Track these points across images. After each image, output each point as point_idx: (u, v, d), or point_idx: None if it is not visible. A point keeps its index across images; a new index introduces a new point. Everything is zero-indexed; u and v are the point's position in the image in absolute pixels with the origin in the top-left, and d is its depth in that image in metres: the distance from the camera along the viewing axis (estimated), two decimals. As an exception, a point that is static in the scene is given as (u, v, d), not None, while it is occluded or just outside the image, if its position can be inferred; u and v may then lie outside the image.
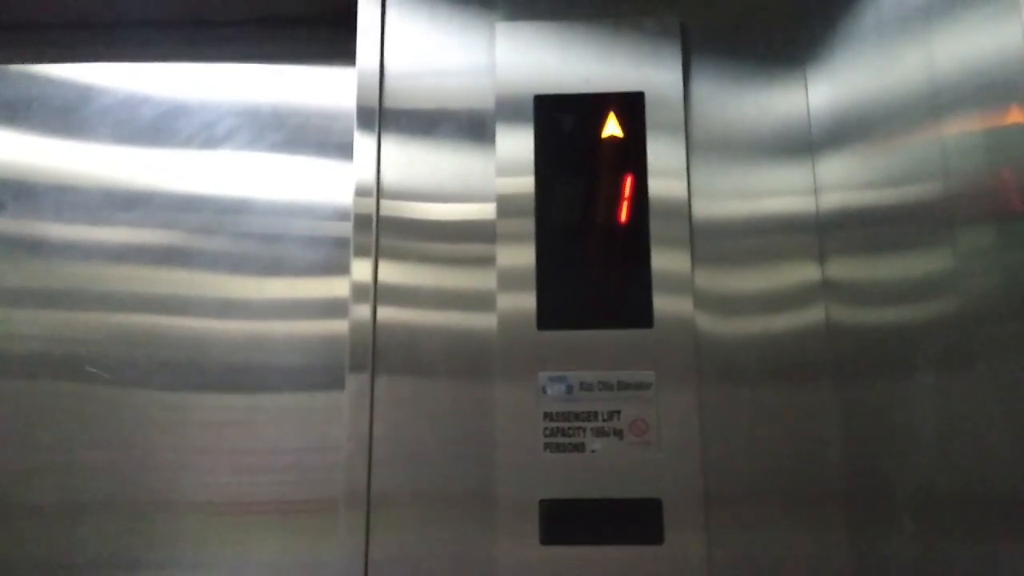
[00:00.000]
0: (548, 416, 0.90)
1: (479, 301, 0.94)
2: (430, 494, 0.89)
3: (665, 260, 0.93)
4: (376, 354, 0.92)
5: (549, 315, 0.92)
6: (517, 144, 0.97)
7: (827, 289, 0.92)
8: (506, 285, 0.93)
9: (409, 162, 0.98)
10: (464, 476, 0.90)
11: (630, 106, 0.96)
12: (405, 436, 0.91)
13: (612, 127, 0.96)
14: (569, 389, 0.90)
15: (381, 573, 0.87)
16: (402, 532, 0.88)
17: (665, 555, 0.86)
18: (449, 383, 0.92)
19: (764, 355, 0.92)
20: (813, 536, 0.87)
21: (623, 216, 0.94)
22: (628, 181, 0.95)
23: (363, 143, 0.98)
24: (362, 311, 0.93)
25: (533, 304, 0.92)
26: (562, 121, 0.96)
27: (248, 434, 0.99)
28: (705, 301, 0.93)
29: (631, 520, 0.87)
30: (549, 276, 0.93)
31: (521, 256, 0.94)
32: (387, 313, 0.94)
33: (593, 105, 0.97)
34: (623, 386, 0.90)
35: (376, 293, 0.94)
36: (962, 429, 0.68)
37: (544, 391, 0.90)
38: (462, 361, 0.93)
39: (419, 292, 0.94)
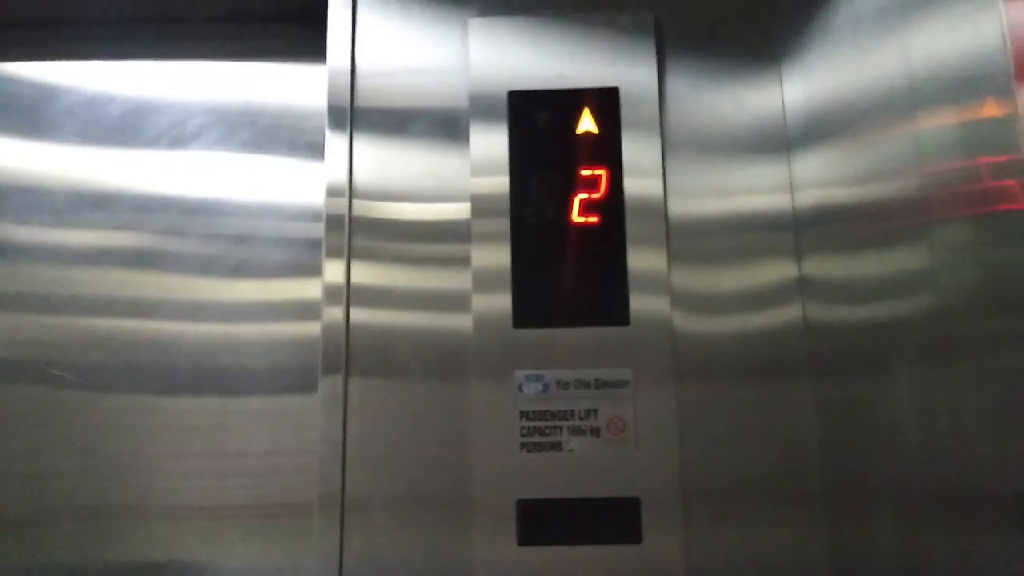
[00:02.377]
0: (524, 415, 0.89)
1: (453, 302, 0.93)
2: (405, 497, 0.88)
3: (641, 258, 0.92)
4: (349, 356, 0.91)
5: (525, 313, 0.91)
6: (491, 143, 0.96)
7: (804, 287, 0.92)
8: (481, 284, 0.92)
9: (382, 162, 0.97)
10: (440, 478, 0.89)
11: (605, 102, 0.95)
12: (379, 438, 0.89)
13: (587, 123, 0.95)
14: (546, 388, 0.89)
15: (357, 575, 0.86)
16: (377, 535, 0.87)
17: (643, 554, 0.85)
18: (424, 384, 0.91)
19: (742, 353, 0.91)
20: (792, 533, 0.87)
21: (598, 213, 0.93)
22: (603, 177, 0.94)
23: (334, 142, 0.97)
24: (334, 313, 0.92)
25: (508, 302, 0.91)
26: (536, 117, 0.95)
27: (221, 438, 0.97)
28: (682, 299, 0.93)
29: (609, 519, 0.86)
30: (524, 274, 0.92)
31: (496, 255, 0.93)
32: (360, 315, 0.93)
33: (567, 101, 0.96)
34: (600, 384, 0.89)
35: (349, 294, 0.93)
36: (940, 424, 0.68)
37: (520, 390, 0.89)
38: (437, 362, 0.91)
39: (393, 293, 0.93)
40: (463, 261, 0.93)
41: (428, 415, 0.90)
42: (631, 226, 0.93)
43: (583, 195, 0.93)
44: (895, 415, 0.75)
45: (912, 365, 0.72)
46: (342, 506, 0.87)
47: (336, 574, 0.85)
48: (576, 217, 0.93)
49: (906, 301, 0.73)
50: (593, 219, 0.93)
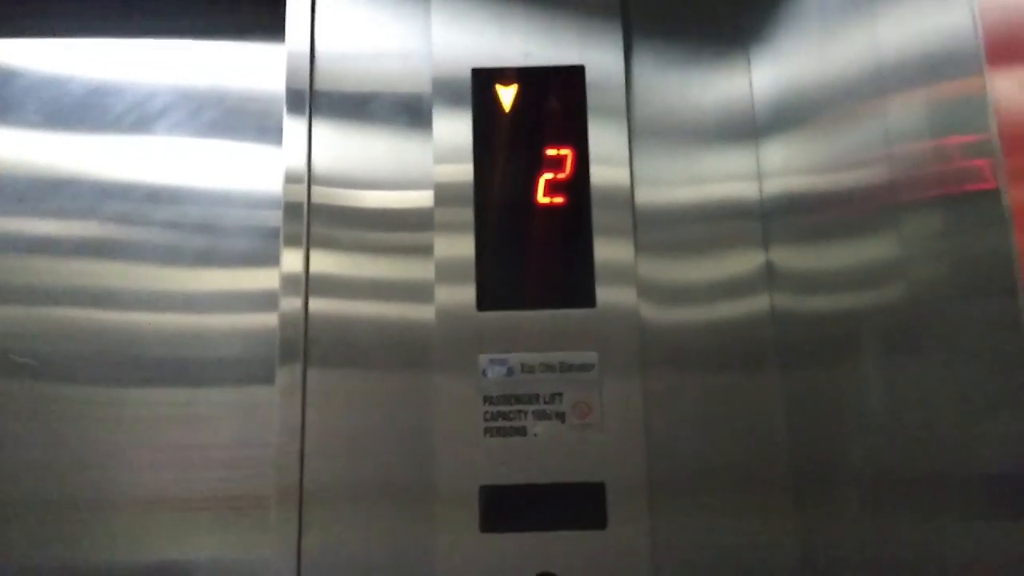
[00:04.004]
0: (488, 400, 0.87)
1: (416, 291, 0.91)
2: (365, 484, 0.86)
3: (607, 241, 0.91)
4: (308, 346, 0.88)
5: (489, 296, 0.89)
6: (455, 129, 0.94)
7: (772, 276, 0.91)
8: (444, 272, 0.90)
9: (342, 147, 0.94)
10: (401, 465, 0.87)
11: (570, 80, 0.94)
12: (339, 428, 0.87)
13: (552, 101, 0.93)
14: (510, 371, 0.88)
15: (315, 567, 0.84)
16: (336, 525, 0.85)
17: (608, 540, 0.84)
18: (385, 374, 0.89)
19: (709, 341, 0.90)
20: (759, 520, 0.86)
21: (564, 194, 0.92)
22: (569, 157, 0.92)
23: (293, 127, 0.94)
24: (292, 303, 0.90)
25: (472, 287, 0.89)
26: (500, 95, 0.94)
27: (183, 429, 0.94)
28: (648, 286, 0.91)
29: (574, 504, 0.85)
30: (488, 256, 0.90)
31: (460, 245, 0.91)
32: (319, 304, 0.90)
33: (532, 78, 0.94)
34: (565, 367, 0.88)
35: (308, 283, 0.90)
36: (908, 411, 0.68)
37: (484, 374, 0.88)
38: (398, 351, 0.89)
39: (353, 282, 0.91)
40: (426, 250, 0.91)
41: (389, 403, 0.88)
42: (597, 208, 0.91)
43: (548, 175, 0.92)
44: (863, 403, 0.74)
45: (880, 353, 0.72)
46: (300, 497, 0.85)
47: (294, 566, 0.83)
48: (541, 198, 0.91)
49: (874, 290, 0.72)
50: (559, 200, 0.92)
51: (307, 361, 0.88)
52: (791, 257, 0.88)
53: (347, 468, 0.86)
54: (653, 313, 0.91)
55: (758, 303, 0.91)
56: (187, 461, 0.94)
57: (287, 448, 0.86)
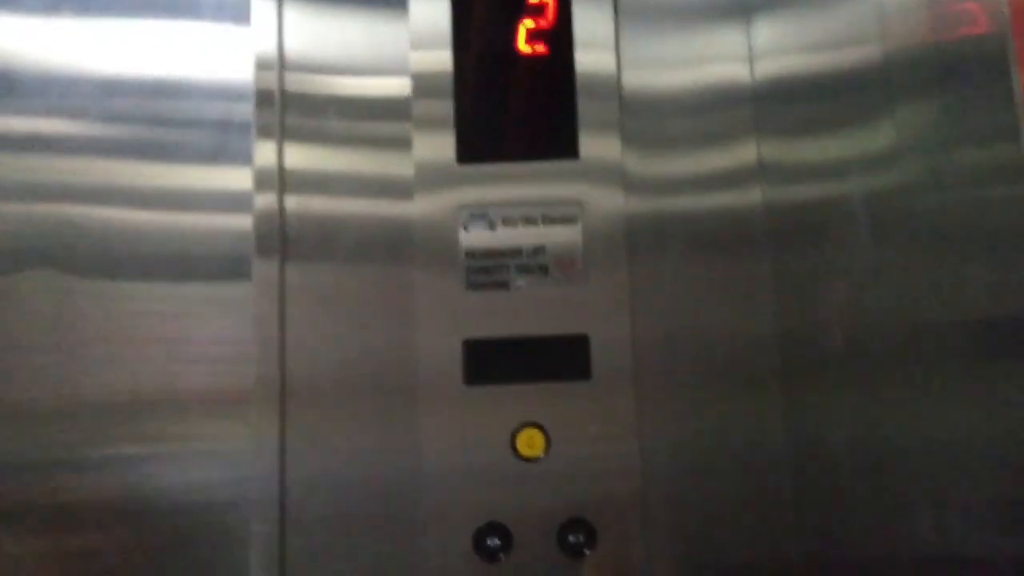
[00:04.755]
0: (470, 254, 0.85)
1: (396, 186, 0.87)
2: (349, 378, 0.84)
3: (590, 90, 0.87)
4: (285, 240, 0.85)
5: (469, 148, 0.86)
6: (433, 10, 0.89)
7: (762, 163, 0.88)
8: (422, 122, 0.87)
9: (315, 29, 0.89)
10: (385, 358, 0.85)
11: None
12: (320, 322, 0.85)
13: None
14: (491, 224, 0.85)
15: (299, 459, 0.83)
16: (320, 417, 0.83)
17: (592, 390, 0.83)
18: (364, 267, 0.86)
19: (697, 199, 0.88)
20: (747, 407, 0.85)
21: (545, 42, 0.88)
22: (550, 5, 0.88)
23: (262, 6, 0.89)
24: (267, 199, 0.86)
25: (452, 138, 0.86)
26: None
27: (161, 324, 0.91)
28: (633, 139, 0.88)
29: (558, 357, 0.84)
30: (468, 107, 0.87)
31: (439, 91, 0.87)
32: (295, 198, 0.86)
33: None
34: (548, 220, 0.86)
35: (283, 176, 0.86)
36: (894, 295, 0.68)
37: (465, 228, 0.85)
38: (379, 245, 0.86)
39: (329, 176, 0.87)
40: (405, 142, 0.87)
41: (370, 297, 0.86)
42: (580, 55, 0.88)
43: (529, 23, 0.88)
44: (851, 285, 0.74)
45: (869, 240, 0.71)
46: (282, 390, 0.83)
47: (277, 458, 0.82)
48: (522, 46, 0.88)
49: (870, 176, 0.71)
50: (540, 49, 0.88)
51: (284, 256, 0.85)
52: (784, 148, 0.86)
53: (329, 361, 0.84)
54: (638, 166, 0.88)
55: (748, 188, 0.88)
56: (167, 356, 0.91)
57: (267, 343, 0.84)
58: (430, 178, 0.86)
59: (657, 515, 0.83)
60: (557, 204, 0.86)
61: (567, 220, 0.86)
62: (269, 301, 0.85)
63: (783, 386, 0.84)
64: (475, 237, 0.85)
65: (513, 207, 0.86)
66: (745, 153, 0.89)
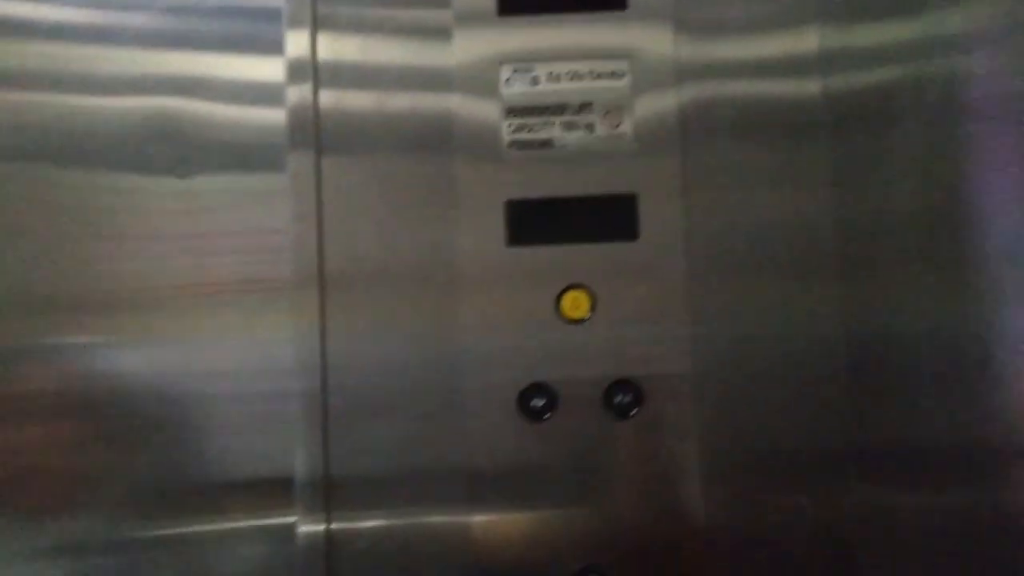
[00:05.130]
0: (512, 112, 0.82)
1: (435, 76, 0.83)
2: (388, 267, 0.82)
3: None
4: (320, 132, 0.82)
5: (510, -2, 0.82)
6: None
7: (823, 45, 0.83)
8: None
9: None
10: (425, 245, 0.82)
11: None
12: (358, 212, 0.82)
13: None
14: (534, 80, 0.82)
15: (340, 347, 0.81)
16: (360, 304, 0.81)
17: (640, 250, 0.80)
18: (403, 158, 0.82)
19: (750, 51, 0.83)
20: (802, 290, 0.81)
21: None
22: None
23: None
24: (301, 92, 0.82)
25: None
26: None
27: (191, 218, 0.88)
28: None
29: (604, 216, 0.81)
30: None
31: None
32: (329, 93, 0.82)
33: None
34: (595, 76, 0.82)
35: (316, 68, 0.82)
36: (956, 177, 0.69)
37: (508, 84, 0.82)
38: (419, 138, 0.83)
39: (365, 67, 0.83)
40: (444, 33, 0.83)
41: (409, 186, 0.82)
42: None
43: None
44: (912, 172, 0.73)
45: (935, 124, 0.72)
46: (321, 280, 0.81)
47: (319, 346, 0.80)
48: None
49: (937, 61, 0.71)
50: None
51: (319, 148, 0.82)
52: (845, 33, 0.81)
53: (368, 250, 0.81)
54: (691, 17, 0.83)
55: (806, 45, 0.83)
56: (200, 249, 0.89)
57: (304, 233, 0.81)
58: (469, 31, 0.82)
59: (705, 386, 0.80)
60: (605, 57, 0.82)
61: (615, 75, 0.82)
62: (306, 192, 0.82)
63: (840, 273, 0.81)
64: (517, 93, 0.82)
65: (558, 61, 0.82)
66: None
